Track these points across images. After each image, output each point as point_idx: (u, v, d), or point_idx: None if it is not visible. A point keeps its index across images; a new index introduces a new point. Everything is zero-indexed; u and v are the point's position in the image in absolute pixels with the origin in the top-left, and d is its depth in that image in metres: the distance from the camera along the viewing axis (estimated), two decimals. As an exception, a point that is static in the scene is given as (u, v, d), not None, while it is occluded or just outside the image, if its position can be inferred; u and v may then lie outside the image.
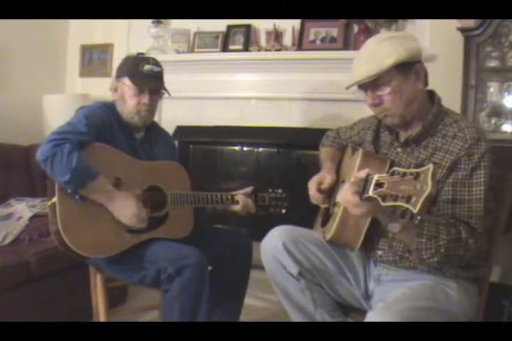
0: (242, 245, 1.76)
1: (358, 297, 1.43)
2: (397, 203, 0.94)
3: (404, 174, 0.96)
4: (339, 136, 1.70)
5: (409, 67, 1.27)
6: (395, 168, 0.99)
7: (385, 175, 1.00)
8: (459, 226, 1.21)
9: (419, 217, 1.03)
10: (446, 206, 1.25)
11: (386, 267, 1.39)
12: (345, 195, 1.11)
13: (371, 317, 1.17)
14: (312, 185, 1.54)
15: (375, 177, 1.02)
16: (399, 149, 1.40)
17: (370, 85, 1.29)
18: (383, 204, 0.97)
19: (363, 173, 1.10)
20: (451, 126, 1.30)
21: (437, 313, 1.21)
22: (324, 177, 1.53)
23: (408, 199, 0.92)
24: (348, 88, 1.35)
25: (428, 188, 0.90)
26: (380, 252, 1.38)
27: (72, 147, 1.44)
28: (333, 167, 1.58)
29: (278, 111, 2.76)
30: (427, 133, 1.33)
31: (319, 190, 1.52)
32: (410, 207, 0.92)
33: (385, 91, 1.28)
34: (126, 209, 1.52)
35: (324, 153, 1.69)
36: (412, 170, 0.96)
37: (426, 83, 1.34)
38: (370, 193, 1.01)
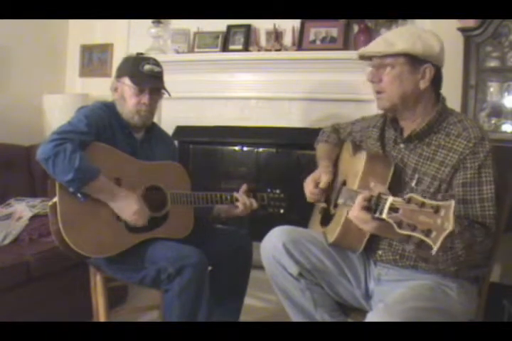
0: (242, 245, 1.76)
1: (358, 297, 1.43)
2: (416, 234, 0.94)
3: (422, 204, 0.95)
4: (337, 131, 1.69)
5: (419, 64, 1.30)
6: (412, 195, 0.97)
7: (400, 199, 0.99)
8: (473, 229, 1.20)
9: (435, 250, 1.00)
10: (458, 207, 1.24)
11: (386, 267, 1.39)
12: (355, 210, 1.11)
13: (371, 318, 1.17)
14: (309, 184, 1.52)
15: (390, 199, 1.01)
16: (401, 145, 1.40)
17: (377, 62, 1.34)
18: (399, 231, 0.97)
19: (374, 189, 1.10)
20: (455, 125, 1.32)
21: (437, 314, 1.21)
22: (320, 176, 1.52)
23: (428, 233, 0.91)
24: (359, 55, 1.41)
25: (450, 226, 0.89)
26: (380, 252, 1.38)
27: (74, 146, 1.45)
28: (329, 165, 1.56)
29: (278, 111, 2.76)
30: (430, 130, 1.34)
31: (317, 188, 1.51)
32: (430, 242, 0.91)
33: (386, 72, 1.32)
34: (128, 207, 1.52)
35: (320, 149, 1.67)
36: (432, 202, 0.94)
37: (437, 86, 1.36)
38: (384, 216, 1.00)
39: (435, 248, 0.90)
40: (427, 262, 1.24)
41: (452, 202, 0.92)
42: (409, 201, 0.97)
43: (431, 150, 1.33)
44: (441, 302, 1.24)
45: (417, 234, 0.93)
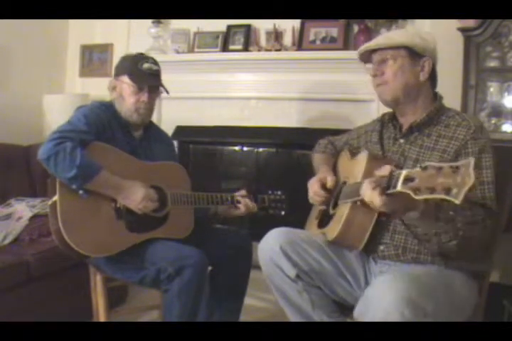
0: (242, 245, 1.75)
1: (358, 297, 1.42)
2: (435, 195, 0.94)
3: (440, 168, 0.96)
4: (331, 143, 1.72)
5: (418, 57, 1.37)
6: (428, 163, 0.99)
7: (415, 169, 1.00)
8: (474, 209, 1.21)
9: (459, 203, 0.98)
10: None
11: (387, 264, 1.38)
12: (367, 192, 1.12)
13: (372, 289, 1.17)
14: (314, 184, 1.54)
15: (404, 172, 1.02)
16: (401, 140, 1.42)
17: (379, 57, 1.40)
18: (416, 197, 0.97)
19: (385, 170, 1.11)
20: (454, 117, 1.37)
21: (439, 290, 1.21)
22: (325, 176, 1.53)
23: (448, 192, 0.92)
24: (360, 52, 1.46)
25: (471, 179, 0.90)
26: (381, 247, 1.38)
27: (74, 145, 1.45)
28: (329, 169, 1.59)
29: (278, 111, 2.76)
30: (430, 122, 1.38)
31: (323, 189, 1.52)
32: (452, 199, 0.92)
33: (388, 64, 1.38)
34: (135, 194, 1.53)
35: (318, 158, 1.70)
36: (450, 163, 0.96)
37: (434, 82, 1.42)
38: (399, 188, 1.01)
39: (458, 202, 0.91)
40: (429, 238, 1.23)
41: (471, 159, 0.93)
42: (425, 168, 0.98)
43: (432, 140, 1.36)
44: (443, 290, 1.23)
45: (436, 195, 0.94)
